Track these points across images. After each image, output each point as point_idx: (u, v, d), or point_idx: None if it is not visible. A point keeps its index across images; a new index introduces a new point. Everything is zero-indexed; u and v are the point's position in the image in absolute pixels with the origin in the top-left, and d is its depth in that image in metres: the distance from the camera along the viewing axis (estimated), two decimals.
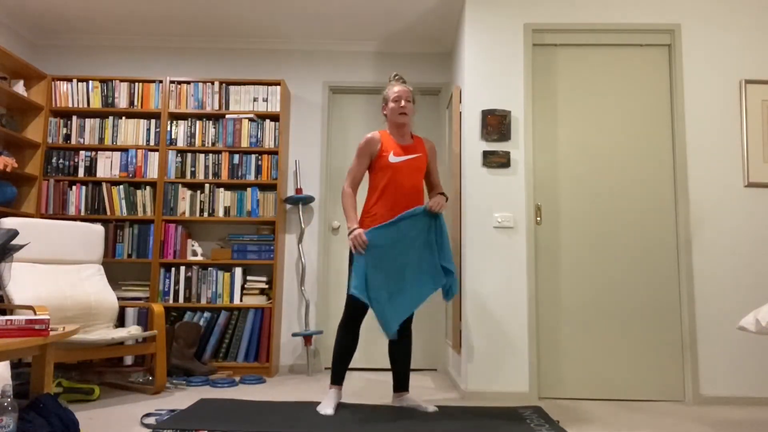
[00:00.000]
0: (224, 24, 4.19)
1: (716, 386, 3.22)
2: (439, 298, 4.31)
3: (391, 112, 2.90)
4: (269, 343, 3.90)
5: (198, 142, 4.13)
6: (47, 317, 2.21)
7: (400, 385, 2.94)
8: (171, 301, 3.99)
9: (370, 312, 4.23)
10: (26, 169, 4.06)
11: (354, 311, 2.84)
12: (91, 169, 4.10)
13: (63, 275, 3.33)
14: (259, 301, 3.99)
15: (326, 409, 2.74)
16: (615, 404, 3.14)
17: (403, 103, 2.88)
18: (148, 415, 2.68)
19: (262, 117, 4.16)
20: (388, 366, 4.24)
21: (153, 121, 4.15)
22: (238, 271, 4.01)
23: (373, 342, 4.27)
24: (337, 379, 2.89)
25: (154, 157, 4.10)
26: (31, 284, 3.10)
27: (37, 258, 3.25)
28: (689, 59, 3.45)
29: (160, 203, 4.03)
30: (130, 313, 3.95)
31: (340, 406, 2.88)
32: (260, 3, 3.87)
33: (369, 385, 3.61)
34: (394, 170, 2.82)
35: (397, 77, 3.00)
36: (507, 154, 3.40)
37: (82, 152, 4.11)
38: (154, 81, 4.16)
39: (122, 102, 4.15)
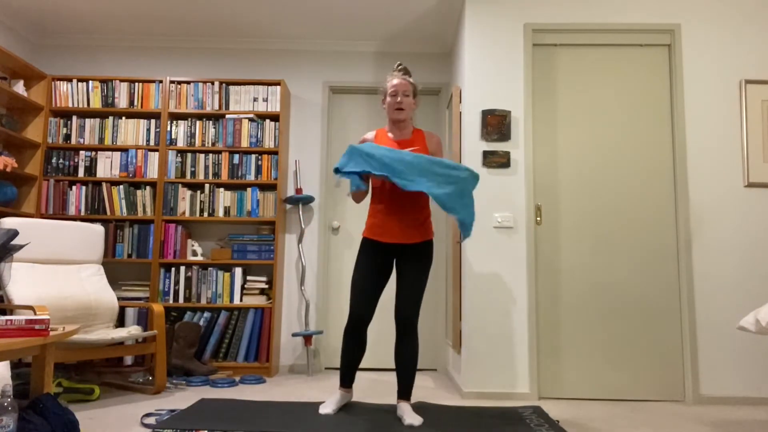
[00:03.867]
0: (224, 24, 4.19)
1: (716, 386, 3.22)
2: (437, 299, 4.31)
3: (388, 107, 2.73)
4: (269, 343, 3.90)
5: (198, 142, 4.13)
6: (47, 317, 2.21)
7: (401, 391, 2.70)
8: (171, 301, 3.98)
9: (376, 315, 4.24)
10: (26, 169, 4.06)
11: (353, 318, 2.69)
12: (91, 169, 4.10)
13: (63, 275, 3.33)
14: (259, 301, 3.99)
15: (326, 408, 2.73)
16: (615, 404, 3.14)
17: (399, 98, 2.69)
18: (148, 415, 2.68)
19: (262, 117, 4.16)
20: (392, 366, 4.25)
21: (153, 121, 4.15)
22: (238, 271, 4.01)
23: (377, 342, 4.27)
24: (344, 382, 2.82)
25: (154, 157, 4.10)
26: (31, 284, 3.10)
27: (37, 258, 3.25)
28: (689, 59, 3.45)
29: (160, 203, 4.03)
30: (130, 313, 3.95)
31: (344, 408, 2.85)
32: (260, 3, 3.87)
33: (372, 386, 3.61)
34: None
35: (400, 67, 2.78)
36: (507, 154, 3.40)
37: (82, 152, 4.11)
38: (154, 81, 4.16)
39: (122, 102, 4.15)
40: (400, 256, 2.73)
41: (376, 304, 2.72)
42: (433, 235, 2.77)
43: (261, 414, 2.70)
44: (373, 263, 2.71)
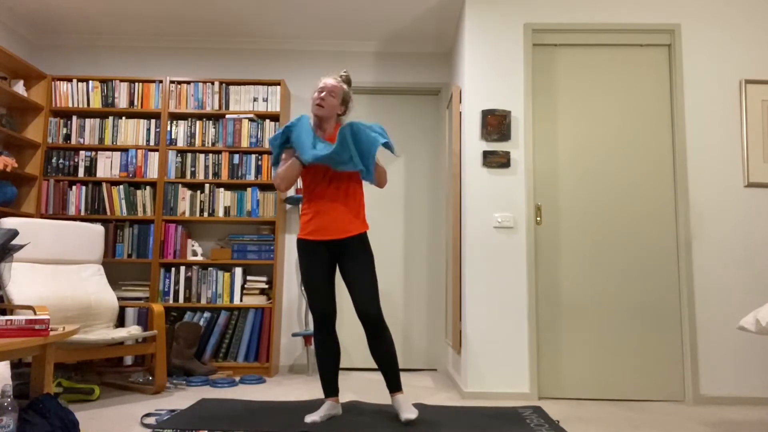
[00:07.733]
0: (224, 24, 4.19)
1: (716, 386, 3.22)
2: (437, 299, 4.31)
3: (312, 100, 2.68)
4: (269, 343, 3.90)
5: (198, 142, 4.13)
6: (47, 317, 2.21)
7: (390, 385, 2.67)
8: (171, 301, 3.99)
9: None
10: (26, 169, 4.06)
11: (317, 317, 2.67)
12: (91, 169, 4.10)
13: (63, 275, 3.33)
14: (259, 301, 3.99)
15: (313, 416, 2.59)
16: (615, 404, 3.14)
17: (323, 94, 2.65)
18: (148, 415, 2.69)
19: (262, 117, 4.16)
20: None
21: (153, 121, 4.15)
22: (238, 271, 4.01)
23: None
24: (327, 390, 2.70)
25: (154, 157, 4.10)
26: (31, 284, 3.10)
27: (37, 258, 3.25)
28: (689, 59, 3.45)
29: (160, 203, 4.03)
30: (130, 313, 3.95)
31: (344, 408, 2.84)
32: (261, 3, 3.87)
33: (369, 385, 3.61)
34: (309, 167, 2.66)
35: (343, 76, 2.76)
36: (507, 154, 3.40)
37: (82, 152, 4.11)
38: (154, 81, 4.16)
39: (122, 102, 4.15)
40: (337, 253, 2.68)
41: (333, 296, 2.69)
42: (368, 228, 2.71)
43: (261, 414, 2.71)
44: (315, 261, 2.66)
